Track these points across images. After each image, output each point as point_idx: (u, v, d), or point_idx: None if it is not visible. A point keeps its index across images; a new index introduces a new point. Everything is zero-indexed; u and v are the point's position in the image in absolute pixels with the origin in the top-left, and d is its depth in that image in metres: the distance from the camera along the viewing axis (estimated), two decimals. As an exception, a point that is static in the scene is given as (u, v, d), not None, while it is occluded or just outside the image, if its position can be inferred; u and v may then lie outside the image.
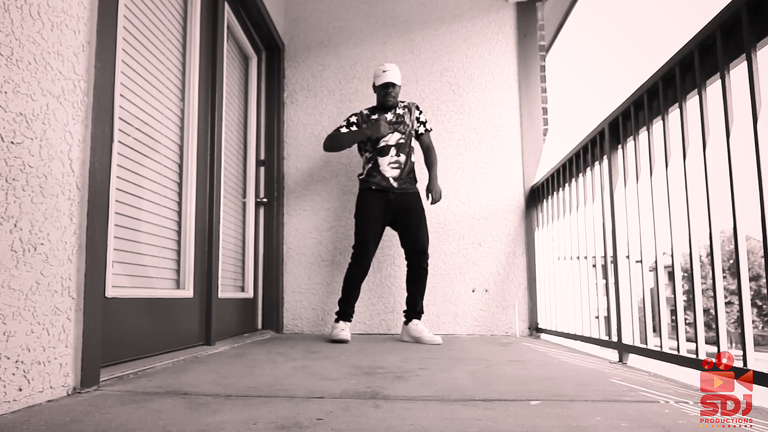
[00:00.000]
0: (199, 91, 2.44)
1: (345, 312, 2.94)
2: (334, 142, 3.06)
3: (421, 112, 3.15)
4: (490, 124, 3.60)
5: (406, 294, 3.02)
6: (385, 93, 3.01)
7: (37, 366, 1.21)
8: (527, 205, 3.51)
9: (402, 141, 3.02)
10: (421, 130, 3.14)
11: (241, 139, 3.27)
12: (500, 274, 3.46)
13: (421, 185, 3.15)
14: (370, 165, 3.02)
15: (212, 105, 2.55)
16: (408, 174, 3.03)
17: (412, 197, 3.01)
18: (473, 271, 3.46)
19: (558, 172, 2.94)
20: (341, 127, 3.07)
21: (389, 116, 3.04)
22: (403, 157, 3.02)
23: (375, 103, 3.15)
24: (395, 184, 2.97)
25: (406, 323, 2.97)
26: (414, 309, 2.97)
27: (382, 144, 2.99)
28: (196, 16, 2.45)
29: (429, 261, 3.01)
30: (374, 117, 3.04)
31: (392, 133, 3.01)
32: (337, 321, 2.94)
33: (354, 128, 3.04)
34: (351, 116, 3.09)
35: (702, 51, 1.57)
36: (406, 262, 3.02)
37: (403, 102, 3.12)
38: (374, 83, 3.06)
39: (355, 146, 3.15)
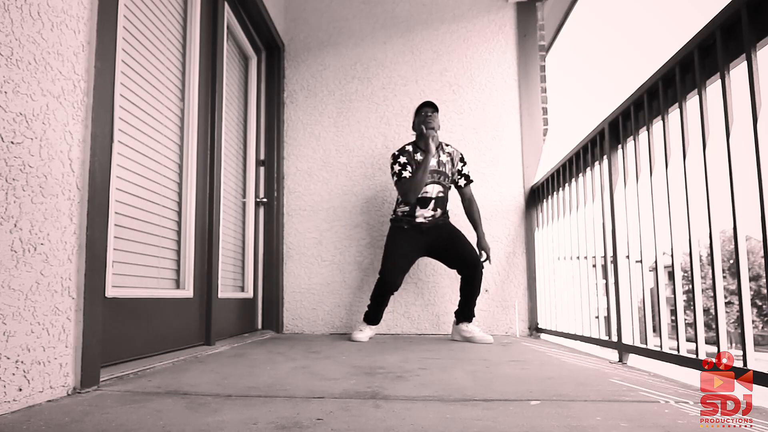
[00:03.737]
0: (199, 91, 2.44)
1: (372, 319, 3.03)
2: (415, 188, 2.87)
3: (465, 164, 3.09)
4: (490, 124, 3.59)
5: (459, 297, 3.02)
6: (424, 116, 2.94)
7: (37, 366, 1.21)
8: (527, 205, 3.51)
9: (441, 195, 2.98)
10: (462, 182, 3.09)
11: (241, 139, 3.27)
12: (500, 274, 3.46)
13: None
14: (406, 210, 2.97)
15: (212, 105, 2.55)
16: (440, 218, 3.03)
17: (443, 225, 3.01)
18: (473, 271, 3.45)
19: (558, 172, 2.94)
20: (402, 171, 2.91)
21: (432, 162, 2.92)
22: (439, 212, 3.01)
23: (411, 140, 3.09)
24: (427, 223, 2.99)
25: (456, 323, 3.02)
26: (463, 312, 2.99)
27: (422, 195, 2.93)
28: (196, 16, 2.45)
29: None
30: (418, 157, 2.92)
31: (434, 184, 2.95)
32: (363, 322, 3.05)
33: (409, 169, 2.91)
34: (399, 157, 2.96)
35: (702, 51, 1.57)
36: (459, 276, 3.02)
37: (447, 147, 3.05)
38: (413, 120, 3.03)
39: (391, 182, 3.19)
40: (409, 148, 2.99)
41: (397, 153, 2.98)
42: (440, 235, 2.98)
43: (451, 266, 3.04)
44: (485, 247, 3.06)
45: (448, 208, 3.08)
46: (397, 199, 3.03)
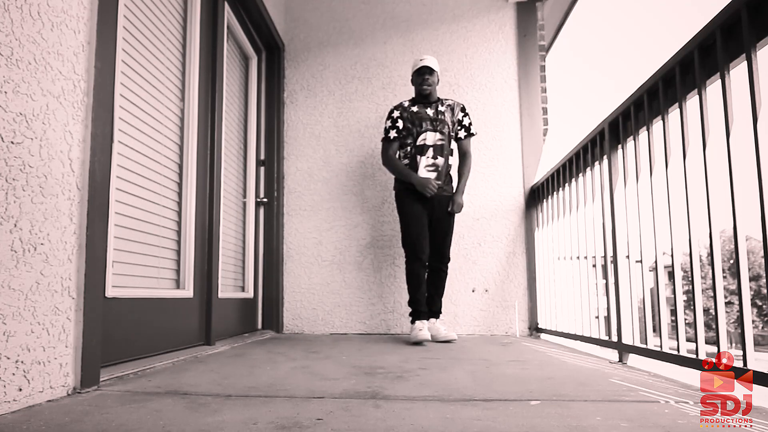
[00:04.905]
0: (199, 91, 2.44)
1: (418, 311, 2.88)
2: (390, 168, 3.01)
3: (465, 115, 3.05)
4: (490, 124, 3.60)
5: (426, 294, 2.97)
6: (421, 80, 2.93)
7: (37, 366, 1.21)
8: (527, 205, 3.51)
9: (441, 142, 2.93)
10: (462, 134, 3.04)
11: (241, 139, 3.27)
12: (500, 274, 3.46)
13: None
14: (407, 163, 2.96)
15: (212, 105, 2.55)
16: (445, 176, 2.97)
17: (446, 202, 2.95)
18: (473, 271, 3.46)
19: (558, 172, 2.94)
20: (390, 130, 2.97)
21: (429, 112, 2.95)
22: (440, 160, 2.94)
23: (413, 97, 3.08)
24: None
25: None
26: (431, 308, 2.98)
27: (420, 141, 2.92)
28: (196, 16, 2.45)
29: (448, 264, 3.01)
30: (414, 109, 2.95)
31: (432, 131, 2.93)
32: (413, 322, 2.86)
33: (400, 124, 2.94)
34: (393, 111, 2.99)
35: (702, 51, 1.57)
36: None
37: (447, 100, 3.04)
38: (412, 76, 3.00)
39: (389, 105, 3.11)
40: (406, 103, 3.00)
41: (392, 108, 3.02)
42: (441, 211, 2.94)
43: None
44: (455, 202, 2.95)
45: (451, 162, 3.01)
46: (399, 155, 3.01)
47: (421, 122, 2.93)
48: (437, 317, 3.00)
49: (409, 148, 2.96)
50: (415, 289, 2.90)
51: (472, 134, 3.06)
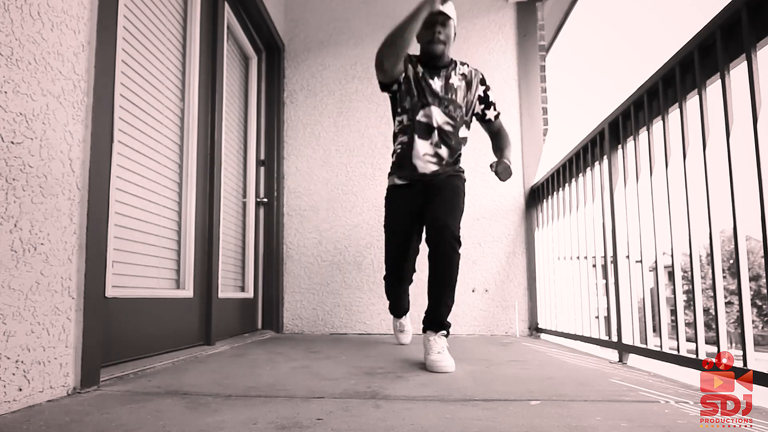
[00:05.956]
0: (199, 91, 2.44)
1: (394, 311, 2.55)
2: (391, 42, 1.97)
3: (487, 88, 2.25)
4: (490, 124, 3.59)
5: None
6: (431, 34, 2.07)
7: (37, 366, 1.21)
8: (527, 205, 3.51)
9: (449, 127, 2.13)
10: (491, 114, 2.26)
11: (241, 139, 3.27)
12: (500, 274, 3.46)
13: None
14: (401, 147, 2.18)
15: (212, 105, 2.55)
16: (446, 167, 2.16)
17: (447, 177, 2.15)
18: (473, 271, 3.46)
19: (558, 172, 2.94)
20: None
21: (436, 83, 2.13)
22: (444, 150, 2.14)
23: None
24: (429, 175, 2.15)
25: (423, 330, 2.06)
26: (429, 317, 2.02)
27: (423, 118, 2.11)
28: (196, 16, 2.45)
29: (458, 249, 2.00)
30: (418, 70, 2.15)
31: (437, 109, 2.12)
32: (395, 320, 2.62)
33: (409, 71, 2.15)
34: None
35: (702, 51, 1.57)
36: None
37: (464, 65, 2.21)
38: (419, 30, 2.07)
39: (389, 105, 2.28)
40: (419, 68, 2.17)
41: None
42: (437, 185, 2.13)
43: (425, 226, 2.13)
44: (506, 163, 2.09)
45: (461, 152, 2.20)
46: (395, 128, 2.24)
47: (425, 93, 2.13)
48: (435, 331, 1.98)
49: (405, 118, 2.16)
50: (394, 301, 2.46)
51: (499, 113, 2.30)
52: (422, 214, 2.16)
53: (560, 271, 2.97)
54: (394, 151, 2.25)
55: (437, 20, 2.07)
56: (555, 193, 3.02)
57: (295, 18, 3.78)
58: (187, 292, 2.30)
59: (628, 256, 2.08)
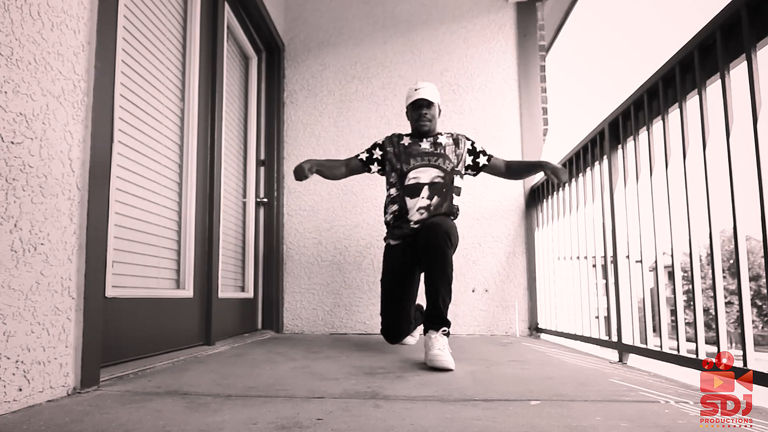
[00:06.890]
0: (199, 91, 2.44)
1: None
2: (327, 169, 2.43)
3: (474, 141, 2.50)
4: (490, 124, 3.59)
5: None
6: (418, 115, 2.37)
7: (37, 366, 1.21)
8: (527, 205, 3.51)
9: (439, 180, 2.33)
10: (483, 160, 2.47)
11: (241, 139, 3.27)
12: (500, 274, 3.46)
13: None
14: (395, 209, 2.38)
15: (212, 105, 2.55)
16: (436, 212, 2.33)
17: (435, 215, 2.32)
18: (473, 271, 3.46)
19: (558, 172, 2.94)
20: (358, 154, 2.51)
21: (425, 145, 2.39)
22: (436, 200, 2.32)
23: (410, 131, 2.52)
24: (419, 222, 2.33)
25: (423, 330, 2.12)
26: (428, 315, 2.08)
27: (411, 181, 2.34)
28: (196, 16, 2.45)
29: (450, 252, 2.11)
30: (406, 142, 2.42)
31: (426, 167, 2.35)
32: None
33: (376, 152, 2.47)
34: (379, 144, 2.49)
35: (702, 51, 1.57)
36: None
37: (450, 133, 2.49)
38: (406, 108, 2.46)
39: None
40: (405, 140, 2.44)
41: (383, 140, 2.51)
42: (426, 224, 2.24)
43: (421, 268, 2.27)
44: (549, 167, 2.34)
45: (456, 203, 2.40)
46: (386, 200, 2.48)
47: (409, 158, 2.37)
48: (436, 328, 2.02)
49: (394, 190, 2.40)
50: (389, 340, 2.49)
51: (491, 156, 2.50)
52: (414, 266, 2.36)
53: (560, 271, 2.97)
54: (387, 222, 2.47)
55: (423, 103, 2.39)
56: (555, 193, 3.02)
57: (295, 18, 3.78)
58: (187, 292, 2.30)
59: (628, 256, 2.09)
